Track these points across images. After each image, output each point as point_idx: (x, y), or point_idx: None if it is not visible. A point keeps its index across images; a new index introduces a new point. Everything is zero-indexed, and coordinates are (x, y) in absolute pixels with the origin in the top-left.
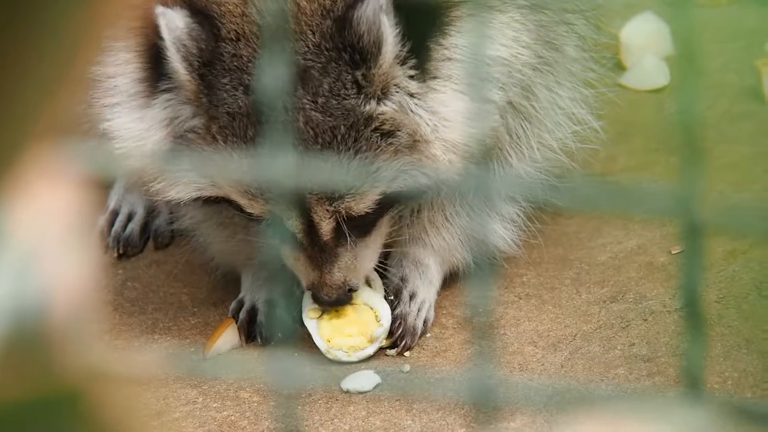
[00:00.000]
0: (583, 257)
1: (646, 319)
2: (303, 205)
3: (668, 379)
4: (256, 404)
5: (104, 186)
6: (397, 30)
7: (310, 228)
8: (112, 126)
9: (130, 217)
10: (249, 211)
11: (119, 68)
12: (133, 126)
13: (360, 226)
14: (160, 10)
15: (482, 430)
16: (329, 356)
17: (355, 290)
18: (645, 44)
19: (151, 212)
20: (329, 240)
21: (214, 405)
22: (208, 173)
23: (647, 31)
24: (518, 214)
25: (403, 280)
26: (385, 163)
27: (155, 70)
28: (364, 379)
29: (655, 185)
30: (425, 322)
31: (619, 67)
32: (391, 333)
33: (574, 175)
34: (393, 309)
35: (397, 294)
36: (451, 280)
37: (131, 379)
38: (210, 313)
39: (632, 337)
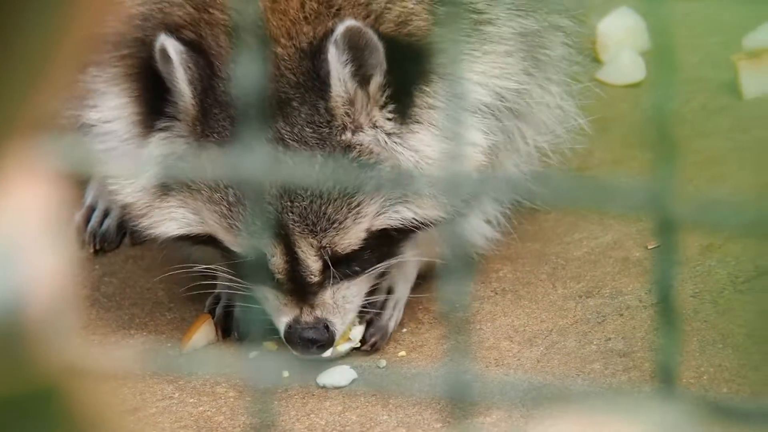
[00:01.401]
0: (560, 252)
1: (622, 314)
2: (287, 239)
3: (644, 373)
4: (232, 399)
5: (81, 182)
6: (378, 78)
7: (294, 267)
8: (106, 169)
9: (106, 213)
10: (234, 249)
11: (114, 113)
12: (127, 165)
13: (349, 268)
14: (162, 37)
15: (458, 425)
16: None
17: (334, 335)
18: (621, 39)
19: None
20: (316, 282)
21: (191, 400)
22: (196, 208)
23: (624, 26)
24: (500, 213)
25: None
26: (367, 196)
27: (152, 108)
28: (340, 375)
29: (631, 180)
30: (395, 321)
31: (596, 62)
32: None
33: (551, 171)
34: (369, 301)
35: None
36: (426, 276)
37: (108, 374)
38: (186, 308)
39: (608, 332)
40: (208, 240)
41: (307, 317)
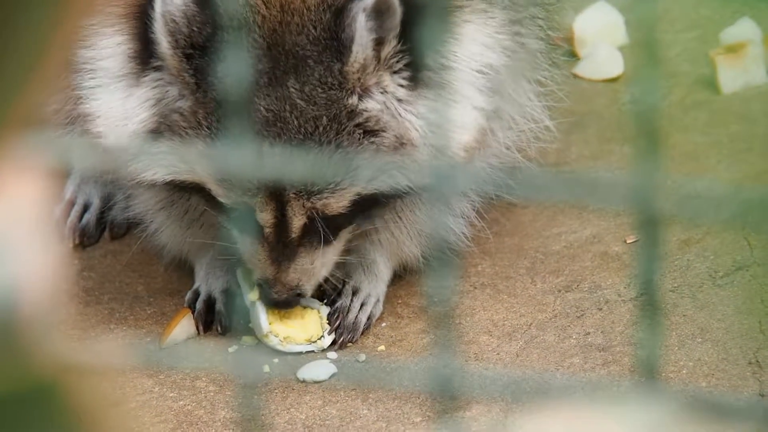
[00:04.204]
0: (538, 247)
1: (600, 309)
2: (280, 198)
3: (623, 368)
4: (212, 394)
5: (62, 176)
6: (393, 43)
7: (280, 223)
8: (94, 106)
9: (86, 208)
10: (222, 200)
11: (109, 51)
12: (118, 105)
13: (328, 229)
14: None
15: (438, 419)
16: (264, 340)
17: (304, 296)
18: (599, 34)
19: (107, 202)
20: (295, 238)
21: (171, 395)
22: (187, 158)
23: (601, 20)
24: (469, 209)
25: (346, 274)
26: (366, 161)
27: (147, 48)
28: (320, 369)
29: (611, 175)
30: (370, 317)
31: (573, 57)
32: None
33: (528, 166)
34: (333, 302)
35: (340, 288)
36: (406, 271)
37: (90, 369)
38: (166, 302)
39: (587, 327)
40: (195, 188)
41: (284, 276)
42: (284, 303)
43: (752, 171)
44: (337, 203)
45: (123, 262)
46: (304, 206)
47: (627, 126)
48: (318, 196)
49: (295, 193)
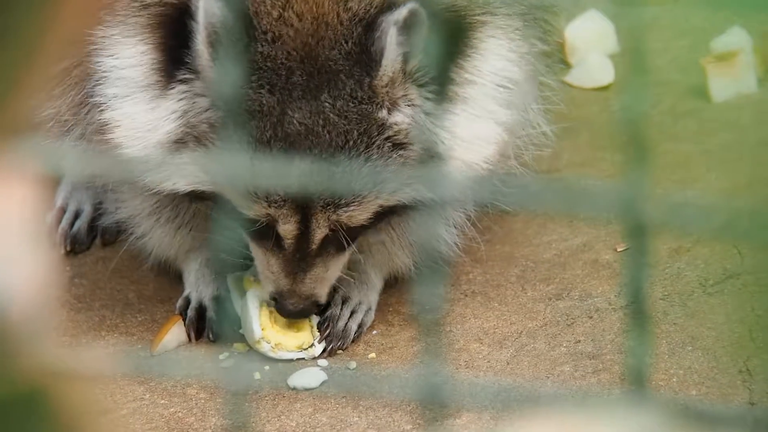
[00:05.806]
0: (529, 255)
1: (591, 317)
2: (305, 210)
3: (613, 376)
4: (203, 401)
5: (53, 183)
6: (420, 57)
7: (301, 235)
8: (115, 115)
9: (77, 215)
10: (245, 212)
11: (132, 60)
12: (142, 115)
13: (347, 237)
14: None
15: (429, 427)
16: (255, 347)
17: (321, 304)
18: (590, 42)
19: (98, 209)
20: (314, 249)
21: (162, 402)
22: (211, 169)
23: (592, 29)
24: (463, 219)
25: (337, 284)
26: (392, 174)
27: (174, 58)
28: (311, 376)
29: (601, 183)
30: (361, 325)
31: (564, 65)
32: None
33: (524, 172)
34: (325, 311)
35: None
36: (397, 281)
37: (80, 376)
38: (157, 309)
39: (577, 335)
40: (213, 196)
41: (300, 287)
42: (301, 313)
43: (742, 180)
44: (361, 215)
45: (114, 268)
46: (329, 219)
47: (618, 134)
48: (345, 208)
49: (321, 206)
